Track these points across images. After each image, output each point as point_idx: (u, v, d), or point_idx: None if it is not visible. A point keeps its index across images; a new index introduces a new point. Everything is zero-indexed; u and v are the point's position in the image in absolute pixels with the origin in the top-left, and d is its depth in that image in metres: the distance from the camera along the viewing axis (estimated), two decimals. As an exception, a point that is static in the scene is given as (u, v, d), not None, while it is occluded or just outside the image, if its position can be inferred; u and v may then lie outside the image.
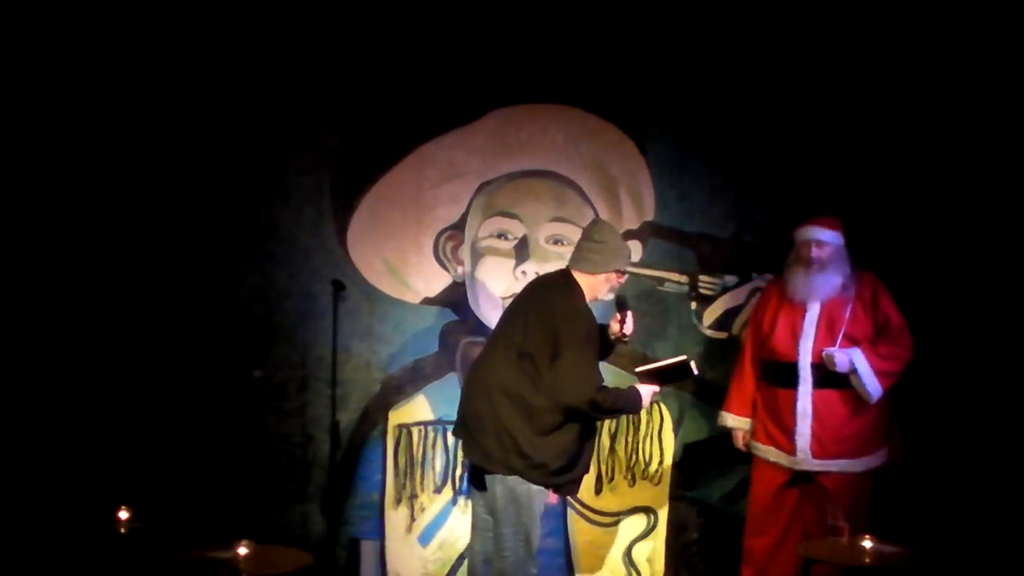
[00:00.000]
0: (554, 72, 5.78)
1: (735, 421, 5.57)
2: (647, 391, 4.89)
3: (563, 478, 4.84)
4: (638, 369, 4.98)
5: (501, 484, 4.82)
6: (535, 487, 4.83)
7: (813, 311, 5.38)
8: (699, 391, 5.88)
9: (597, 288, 4.91)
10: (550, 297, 4.85)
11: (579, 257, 4.93)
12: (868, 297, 5.41)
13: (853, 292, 5.39)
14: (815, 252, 5.35)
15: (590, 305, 4.88)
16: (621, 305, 4.94)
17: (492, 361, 4.87)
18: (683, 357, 4.89)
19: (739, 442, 5.59)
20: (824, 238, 5.35)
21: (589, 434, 4.90)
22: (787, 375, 5.38)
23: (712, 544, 5.89)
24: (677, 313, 5.89)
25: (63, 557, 5.07)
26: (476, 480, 4.97)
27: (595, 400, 4.70)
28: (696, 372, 4.88)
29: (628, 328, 4.93)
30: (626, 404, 4.86)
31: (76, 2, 5.52)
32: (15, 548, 5.19)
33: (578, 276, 4.90)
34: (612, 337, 4.97)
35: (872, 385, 5.29)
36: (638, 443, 5.91)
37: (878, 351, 5.32)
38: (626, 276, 5.01)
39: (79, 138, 5.56)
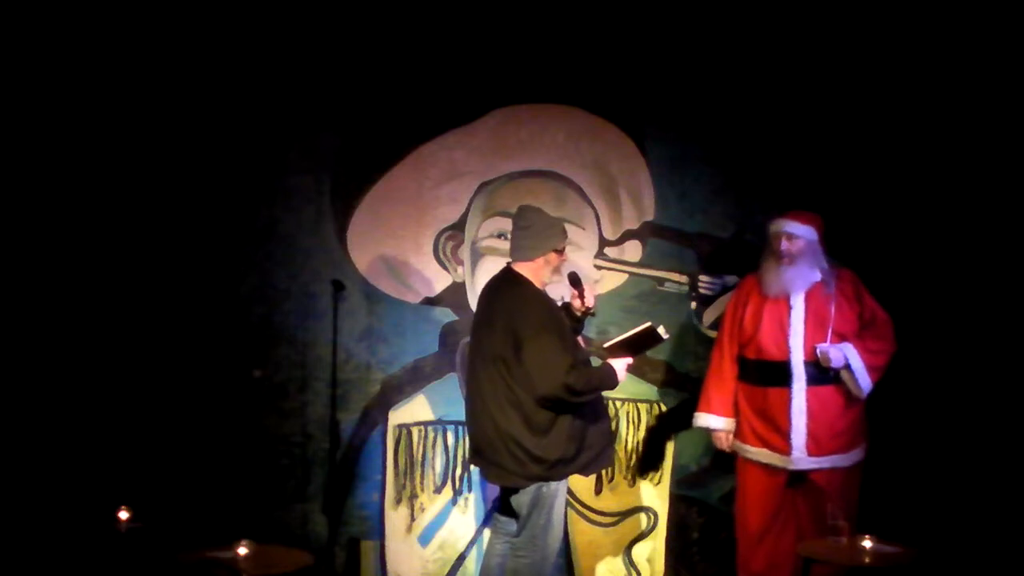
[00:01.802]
0: (555, 72, 5.78)
1: (719, 422, 5.49)
2: (620, 365, 4.89)
3: (583, 459, 4.85)
4: (605, 344, 4.99)
5: (524, 493, 4.85)
6: (558, 488, 4.83)
7: (798, 308, 5.35)
8: (699, 391, 5.85)
9: (540, 273, 4.91)
10: (500, 296, 4.88)
11: (514, 248, 4.95)
12: (851, 293, 5.40)
13: (835, 288, 5.37)
14: (785, 245, 5.32)
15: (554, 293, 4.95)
16: (574, 282, 4.94)
17: (476, 378, 4.90)
18: (648, 324, 4.88)
19: (724, 443, 5.51)
20: (795, 231, 5.32)
21: (590, 407, 4.88)
22: (778, 373, 5.35)
23: (712, 544, 5.89)
24: (677, 313, 5.88)
25: (63, 557, 5.06)
26: (502, 495, 5.00)
27: (568, 383, 4.68)
28: (665, 336, 4.88)
29: (590, 301, 4.96)
30: (602, 381, 4.86)
31: (76, 2, 5.51)
32: (15, 548, 5.19)
33: (519, 268, 4.92)
34: (578, 314, 4.99)
35: (864, 380, 5.30)
36: (638, 443, 5.91)
37: (867, 346, 5.32)
38: (565, 254, 4.99)
39: (79, 139, 5.56)
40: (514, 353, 4.73)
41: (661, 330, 4.85)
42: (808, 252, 5.33)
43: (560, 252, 4.94)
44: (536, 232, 4.88)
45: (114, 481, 5.39)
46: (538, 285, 4.89)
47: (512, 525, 4.96)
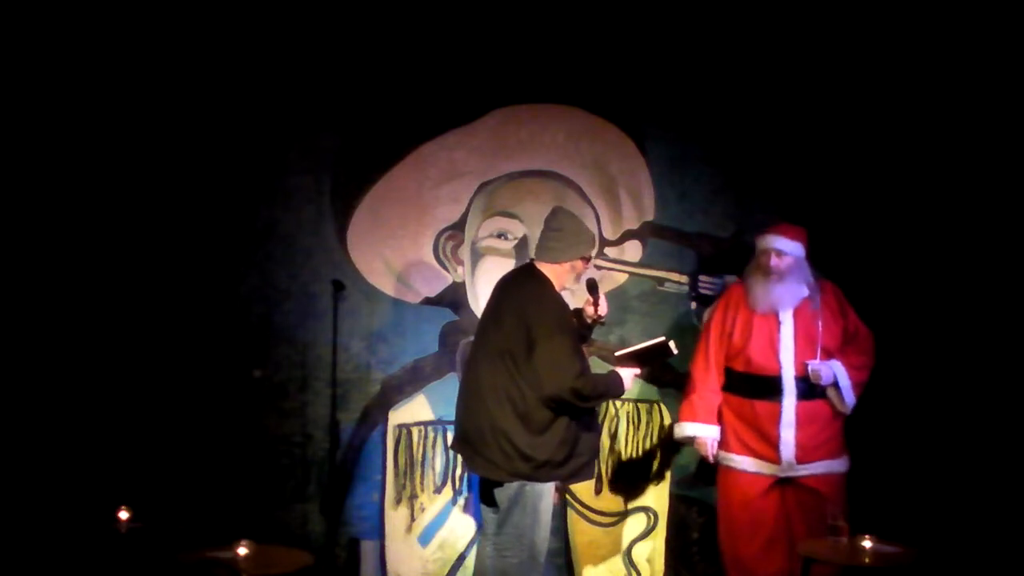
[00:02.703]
0: (555, 72, 5.78)
1: (705, 431, 5.41)
2: (628, 374, 4.89)
3: (571, 466, 4.82)
4: (617, 353, 4.98)
5: (506, 488, 4.83)
6: (543, 489, 4.82)
7: (788, 324, 5.34)
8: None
9: (562, 277, 4.90)
10: (518, 291, 4.86)
11: (541, 247, 4.94)
12: (835, 307, 5.41)
13: (819, 302, 5.36)
14: (774, 262, 5.30)
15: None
16: (592, 288, 4.93)
17: (478, 369, 4.87)
18: (662, 338, 4.88)
19: (708, 451, 5.43)
20: (784, 248, 5.30)
21: (586, 416, 4.87)
22: (767, 387, 5.33)
23: (712, 544, 5.87)
24: (677, 313, 5.88)
25: (63, 557, 5.06)
26: (483, 484, 4.97)
27: (576, 387, 4.68)
28: (675, 351, 4.88)
29: (603, 309, 4.93)
30: (608, 388, 4.85)
31: (76, 2, 5.51)
32: (15, 548, 5.19)
33: (542, 267, 4.90)
34: (589, 320, 4.97)
35: (849, 397, 5.34)
36: (638, 443, 5.90)
37: (851, 362, 5.34)
38: (591, 263, 5.01)
39: (79, 139, 5.56)
40: (525, 349, 4.72)
41: (672, 345, 4.85)
42: (796, 268, 5.32)
43: (586, 261, 4.94)
44: (566, 236, 4.88)
45: (114, 481, 5.39)
46: (558, 287, 4.89)
47: (492, 509, 4.95)
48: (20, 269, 5.52)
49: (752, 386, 5.38)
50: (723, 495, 5.50)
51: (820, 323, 5.33)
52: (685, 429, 5.47)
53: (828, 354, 5.33)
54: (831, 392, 5.34)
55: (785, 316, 5.34)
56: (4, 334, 5.50)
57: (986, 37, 5.66)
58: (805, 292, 5.35)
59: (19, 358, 5.49)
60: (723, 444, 5.44)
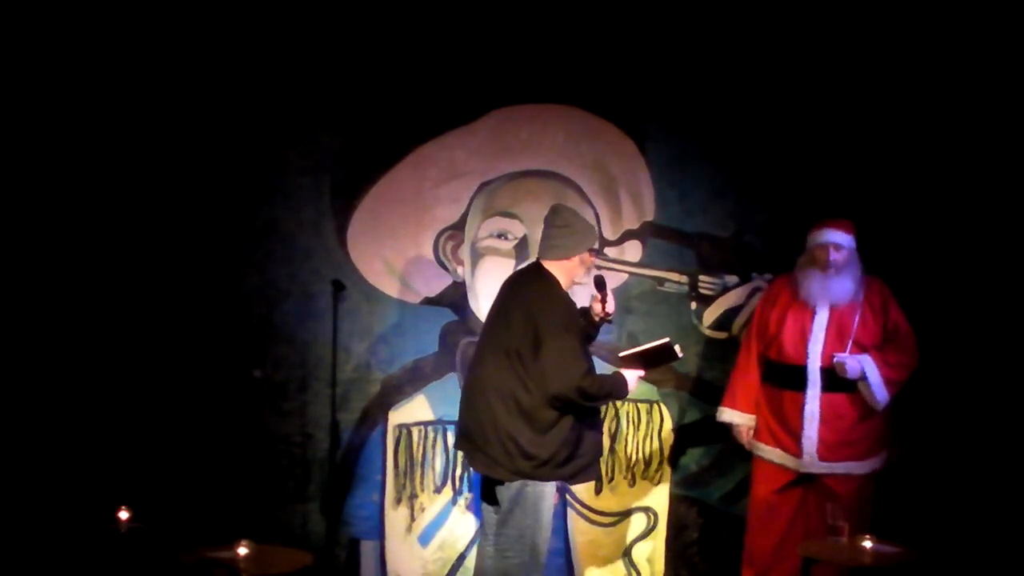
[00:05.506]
0: (554, 72, 5.78)
1: (740, 418, 5.53)
2: (632, 375, 4.90)
3: (572, 466, 4.82)
4: (621, 354, 4.99)
5: (507, 487, 4.83)
6: (543, 489, 4.82)
7: (822, 315, 5.35)
8: (699, 391, 5.89)
9: (573, 272, 4.91)
10: (525, 291, 4.87)
11: (547, 246, 4.93)
12: (878, 304, 5.39)
13: (862, 298, 5.37)
14: (833, 256, 5.31)
15: (571, 292, 4.91)
16: (599, 285, 4.93)
17: (483, 367, 4.87)
18: (666, 339, 4.87)
19: (743, 438, 5.56)
20: (841, 241, 5.32)
21: (590, 417, 4.87)
22: (795, 377, 5.36)
23: (712, 544, 5.89)
24: (677, 313, 5.88)
25: (63, 557, 5.07)
26: (484, 483, 4.97)
27: (582, 387, 4.69)
28: (680, 354, 4.88)
29: (610, 307, 4.94)
30: (613, 389, 4.86)
31: (76, 2, 5.51)
32: (15, 548, 5.19)
33: (550, 265, 4.91)
34: (596, 318, 4.98)
35: (880, 393, 5.30)
36: (638, 443, 5.91)
37: (887, 359, 5.32)
38: (597, 255, 5.02)
39: (79, 138, 5.56)
40: (532, 348, 4.73)
41: (677, 348, 4.84)
42: (851, 261, 5.35)
43: (593, 252, 4.96)
44: (572, 232, 4.89)
45: (114, 481, 5.39)
46: (566, 285, 4.90)
47: (493, 509, 4.95)
48: (20, 269, 5.52)
49: (781, 375, 5.41)
50: (752, 484, 5.56)
51: (858, 318, 5.33)
52: (722, 414, 5.59)
53: (861, 349, 5.32)
54: (862, 387, 5.32)
55: (821, 308, 5.36)
56: (4, 334, 5.50)
57: (991, 34, 5.66)
58: (852, 286, 5.35)
59: (19, 357, 5.50)
60: (756, 433, 5.50)
